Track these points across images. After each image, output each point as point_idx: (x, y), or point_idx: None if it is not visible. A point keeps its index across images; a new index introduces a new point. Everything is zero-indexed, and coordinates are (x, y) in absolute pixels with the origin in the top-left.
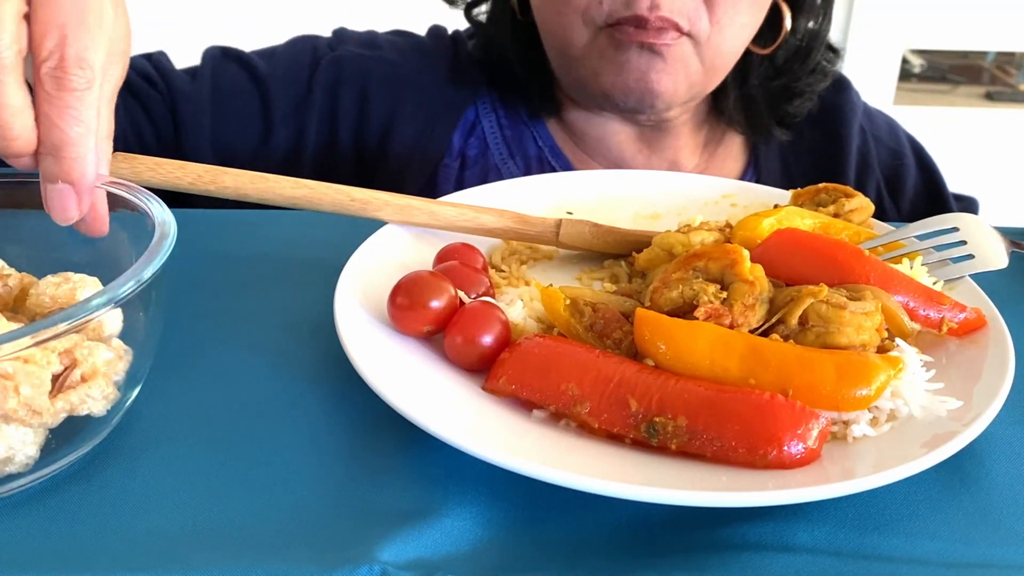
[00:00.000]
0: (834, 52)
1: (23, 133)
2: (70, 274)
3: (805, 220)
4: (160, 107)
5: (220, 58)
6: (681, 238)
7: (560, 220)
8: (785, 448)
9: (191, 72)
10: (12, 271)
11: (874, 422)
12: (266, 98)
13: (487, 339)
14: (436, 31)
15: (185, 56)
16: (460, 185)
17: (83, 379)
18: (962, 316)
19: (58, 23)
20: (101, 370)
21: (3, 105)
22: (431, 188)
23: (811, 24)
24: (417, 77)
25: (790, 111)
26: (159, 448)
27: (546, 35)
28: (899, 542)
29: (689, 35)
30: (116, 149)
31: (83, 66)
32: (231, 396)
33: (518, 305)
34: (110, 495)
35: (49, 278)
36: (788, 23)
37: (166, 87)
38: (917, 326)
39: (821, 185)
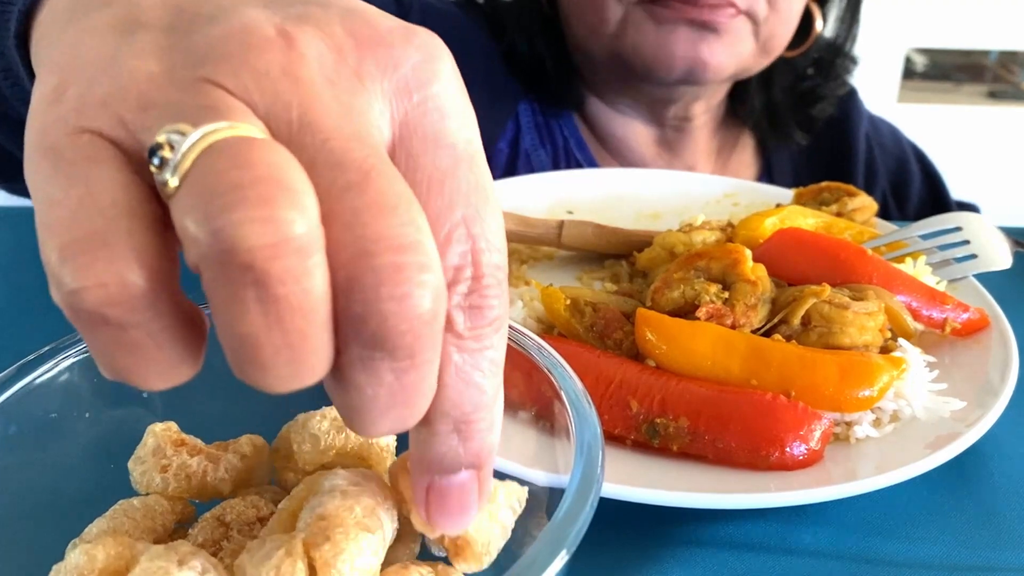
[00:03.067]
0: (852, 60)
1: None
2: (328, 411)
3: (807, 219)
4: None
5: None
6: (683, 237)
7: (562, 221)
8: (787, 449)
9: None
10: (198, 441)
11: (877, 423)
12: None
13: None
14: (473, 4)
15: None
16: (503, 172)
17: None
18: (965, 316)
19: (458, 218)
20: None
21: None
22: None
23: (835, 31)
24: (485, 47)
25: (813, 114)
26: None
27: (577, 19)
28: (901, 545)
29: (747, 14)
30: None
31: (500, 278)
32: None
33: (518, 305)
34: None
35: (312, 422)
36: (820, 24)
37: None
38: (920, 326)
39: (823, 184)
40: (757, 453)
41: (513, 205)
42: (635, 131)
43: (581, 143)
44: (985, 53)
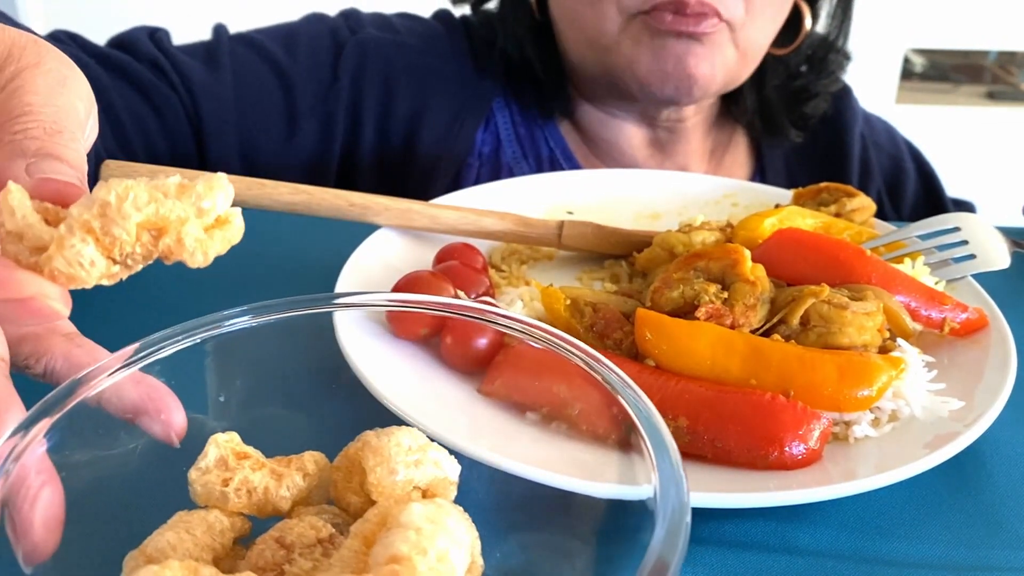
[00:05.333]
0: (845, 56)
1: None
2: (402, 436)
3: (806, 220)
4: (174, 103)
5: (234, 43)
6: (682, 238)
7: (562, 222)
8: (786, 449)
9: (201, 58)
10: (259, 454)
11: (875, 423)
12: (290, 90)
13: (481, 342)
14: (445, 16)
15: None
16: (478, 184)
17: None
18: (964, 316)
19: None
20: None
21: None
22: (456, 188)
23: (827, 28)
24: (441, 67)
25: (807, 112)
26: None
27: (571, 27)
28: (900, 545)
29: (727, 21)
30: (113, 156)
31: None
32: (195, 393)
33: (518, 305)
34: None
35: (387, 450)
36: (808, 23)
37: (180, 80)
38: (919, 326)
39: (823, 184)
40: (756, 453)
41: (512, 205)
42: (626, 134)
43: (568, 153)
44: (984, 54)
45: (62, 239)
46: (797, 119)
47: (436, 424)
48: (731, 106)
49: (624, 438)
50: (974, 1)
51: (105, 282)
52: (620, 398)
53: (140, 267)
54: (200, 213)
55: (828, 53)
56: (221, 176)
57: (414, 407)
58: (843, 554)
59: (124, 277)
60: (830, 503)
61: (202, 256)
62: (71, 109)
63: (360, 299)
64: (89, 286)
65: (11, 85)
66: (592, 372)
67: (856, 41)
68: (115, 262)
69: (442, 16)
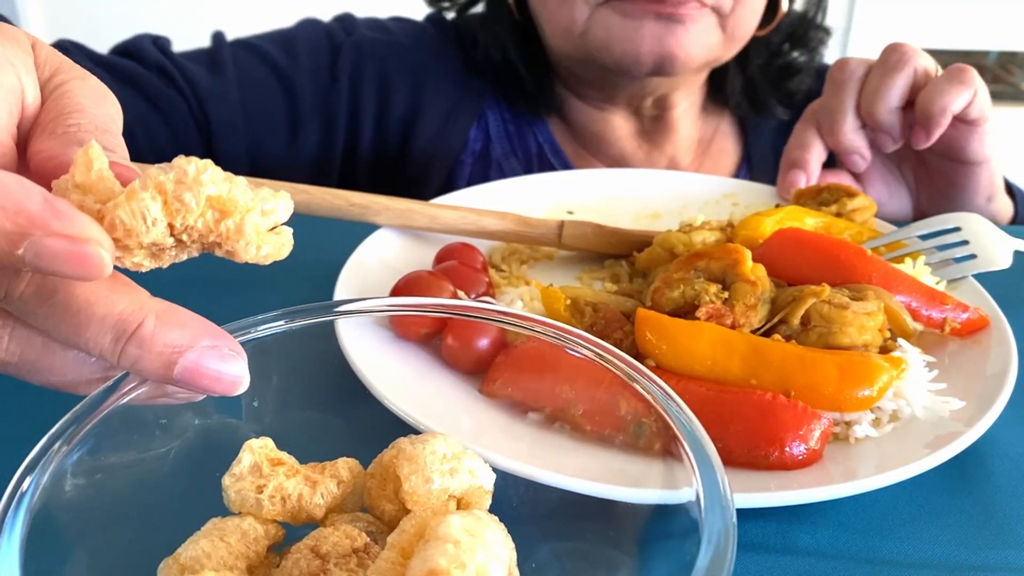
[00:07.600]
0: (826, 31)
1: None
2: (437, 445)
3: (807, 219)
4: (182, 109)
5: (235, 48)
6: (682, 237)
7: (562, 222)
8: (787, 449)
9: (205, 64)
10: (293, 460)
11: (876, 423)
12: (292, 92)
13: (482, 342)
14: (437, 18)
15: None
16: (470, 181)
17: None
18: (964, 316)
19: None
20: None
21: None
22: (449, 185)
23: (805, 5)
24: (435, 67)
25: (792, 87)
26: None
27: (547, 23)
28: (901, 545)
29: (713, 8)
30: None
31: None
32: (228, 397)
33: (518, 305)
34: None
35: (422, 458)
36: (785, 4)
37: (188, 85)
38: (920, 326)
39: (823, 184)
40: (756, 453)
41: (512, 205)
42: (613, 126)
43: (556, 148)
44: (984, 54)
45: (134, 190)
46: (783, 96)
47: (440, 427)
48: (717, 91)
49: (664, 446)
50: (974, 1)
51: (146, 263)
52: (661, 408)
53: (184, 256)
54: (263, 213)
55: (808, 30)
56: (286, 193)
57: (424, 413)
58: (843, 554)
59: (164, 264)
60: (830, 503)
61: (255, 249)
62: (112, 119)
63: (402, 302)
64: (137, 251)
65: (60, 89)
66: (633, 383)
67: (857, 41)
68: (172, 232)
69: (433, 19)
